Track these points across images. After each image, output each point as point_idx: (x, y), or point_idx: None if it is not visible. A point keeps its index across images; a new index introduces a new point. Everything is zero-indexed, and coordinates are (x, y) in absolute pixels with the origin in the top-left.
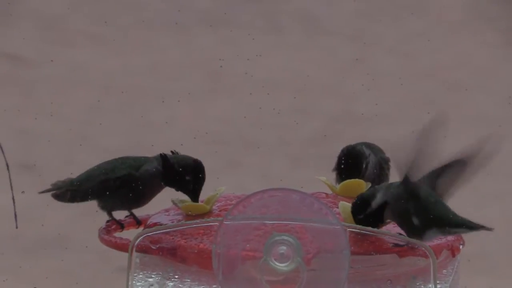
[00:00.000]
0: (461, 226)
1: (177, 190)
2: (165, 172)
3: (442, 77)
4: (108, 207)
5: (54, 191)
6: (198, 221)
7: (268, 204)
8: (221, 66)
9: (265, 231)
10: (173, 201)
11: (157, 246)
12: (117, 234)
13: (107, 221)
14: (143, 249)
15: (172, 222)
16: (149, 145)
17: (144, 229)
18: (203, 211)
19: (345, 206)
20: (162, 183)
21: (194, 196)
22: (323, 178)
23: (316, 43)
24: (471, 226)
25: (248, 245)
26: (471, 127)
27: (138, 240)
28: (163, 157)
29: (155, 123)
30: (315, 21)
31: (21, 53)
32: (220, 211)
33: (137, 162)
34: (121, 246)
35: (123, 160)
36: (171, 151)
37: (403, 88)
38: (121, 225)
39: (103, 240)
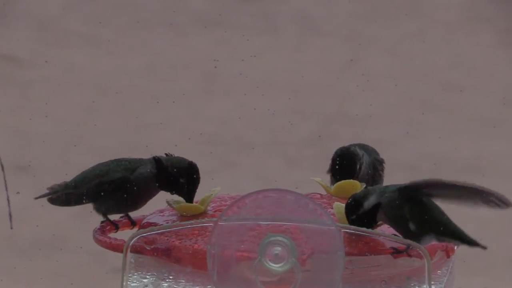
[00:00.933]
0: (457, 238)
1: (171, 193)
2: (159, 175)
3: (437, 78)
4: (103, 210)
5: (49, 196)
6: (192, 221)
7: (263, 205)
8: (215, 67)
9: (260, 231)
10: (167, 202)
11: (152, 246)
12: (112, 234)
13: (102, 222)
14: (137, 250)
15: (167, 222)
16: (144, 145)
17: (138, 229)
18: (198, 212)
19: (339, 207)
20: (157, 186)
21: (189, 198)
22: (318, 179)
23: (310, 44)
24: (467, 241)
25: (242, 246)
26: (466, 128)
27: (133, 240)
28: (156, 160)
29: (150, 124)
30: (310, 22)
31: (16, 54)
32: (214, 211)
33: (132, 165)
34: (116, 247)
35: (118, 162)
36: (165, 154)
37: (398, 89)
38: (115, 226)
39: (98, 241)
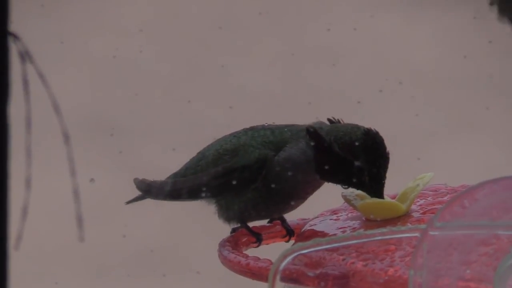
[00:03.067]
0: None
1: (344, 184)
2: (318, 155)
3: None
4: (230, 214)
5: (146, 197)
6: (385, 230)
7: (504, 203)
8: None
9: (498, 247)
10: (344, 197)
11: (318, 272)
12: (250, 251)
13: (233, 230)
14: (293, 277)
15: (343, 232)
16: None
17: (295, 243)
18: (395, 214)
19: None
20: (318, 176)
21: (375, 190)
22: None
23: None
24: None
25: (469, 271)
26: None
27: (286, 261)
28: (311, 132)
29: None
30: None
31: None
32: (423, 213)
33: (276, 138)
34: (257, 271)
35: (253, 135)
36: (328, 119)
37: None
38: (257, 237)
39: (227, 261)
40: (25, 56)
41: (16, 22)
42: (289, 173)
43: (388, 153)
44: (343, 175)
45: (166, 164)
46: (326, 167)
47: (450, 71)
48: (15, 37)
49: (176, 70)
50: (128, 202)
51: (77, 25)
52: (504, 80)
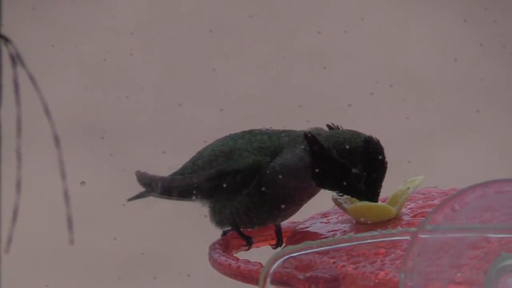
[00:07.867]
0: None
1: (340, 191)
2: (315, 162)
3: None
4: (222, 218)
5: (147, 195)
6: (376, 233)
7: (494, 206)
8: None
9: (488, 250)
10: (334, 199)
11: (308, 275)
12: (241, 254)
13: (224, 233)
14: (283, 280)
15: (334, 235)
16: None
17: (285, 246)
18: (386, 217)
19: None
20: (314, 183)
21: (370, 194)
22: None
23: None
24: None
25: (459, 274)
26: None
27: (276, 264)
28: (309, 137)
29: None
30: None
31: None
32: (413, 216)
33: (273, 144)
34: (247, 275)
35: (250, 139)
36: (328, 125)
37: None
38: (247, 240)
39: (217, 264)
40: (16, 59)
41: (7, 25)
42: (284, 180)
43: (386, 163)
44: (340, 182)
45: (157, 167)
46: (323, 174)
47: (441, 74)
48: (6, 40)
49: (167, 73)
50: (130, 200)
51: (68, 28)
52: (495, 83)
